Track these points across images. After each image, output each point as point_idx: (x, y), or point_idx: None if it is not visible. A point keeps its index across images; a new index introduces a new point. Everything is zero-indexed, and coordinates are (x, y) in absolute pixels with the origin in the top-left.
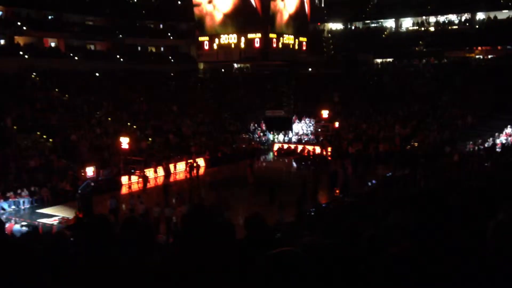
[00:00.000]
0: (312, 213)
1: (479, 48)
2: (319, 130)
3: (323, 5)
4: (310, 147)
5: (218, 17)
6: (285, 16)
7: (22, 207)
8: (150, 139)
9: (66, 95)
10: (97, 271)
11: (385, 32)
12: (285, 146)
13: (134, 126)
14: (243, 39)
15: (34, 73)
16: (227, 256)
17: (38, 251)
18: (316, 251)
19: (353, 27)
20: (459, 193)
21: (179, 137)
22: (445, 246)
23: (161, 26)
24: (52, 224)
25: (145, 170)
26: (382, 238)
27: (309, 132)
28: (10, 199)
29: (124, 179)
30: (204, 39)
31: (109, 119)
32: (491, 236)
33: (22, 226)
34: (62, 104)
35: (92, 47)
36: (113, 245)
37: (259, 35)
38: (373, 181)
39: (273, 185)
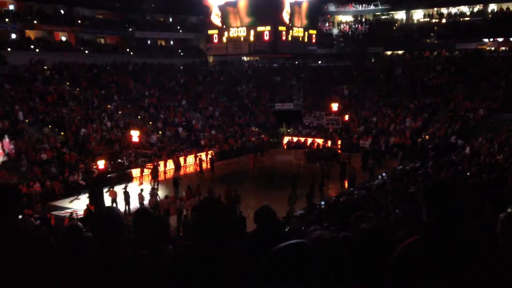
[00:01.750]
0: (322, 206)
1: (491, 40)
2: (329, 123)
3: None
4: (319, 140)
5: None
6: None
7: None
8: (160, 132)
9: (77, 89)
10: (109, 263)
11: (396, 24)
12: (295, 139)
13: (144, 120)
14: (252, 32)
15: (45, 67)
16: (237, 248)
17: (51, 243)
18: (326, 245)
19: (363, 19)
20: (470, 186)
21: (188, 130)
22: (457, 239)
23: (170, 19)
24: (64, 217)
25: (155, 163)
26: (379, 231)
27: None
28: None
29: (135, 172)
30: (214, 32)
31: (120, 112)
32: (501, 229)
33: (34, 218)
34: (73, 98)
35: (103, 40)
36: (123, 238)
37: (268, 28)
38: (384, 174)
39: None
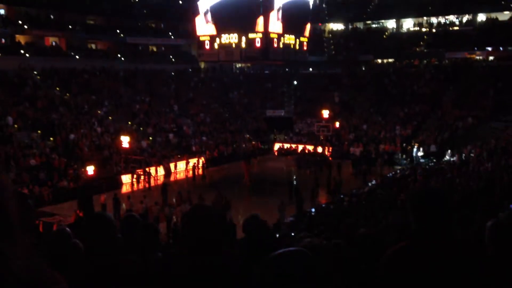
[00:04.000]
0: (312, 213)
1: (480, 49)
2: (320, 130)
3: (324, 5)
4: (310, 147)
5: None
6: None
7: None
8: (150, 138)
9: (67, 94)
10: (98, 270)
11: (386, 33)
12: (286, 145)
13: (135, 125)
14: (244, 38)
15: (35, 72)
16: (228, 255)
17: (39, 249)
18: (315, 252)
19: (354, 27)
20: (458, 194)
21: (179, 137)
22: (443, 246)
23: (162, 25)
24: (53, 223)
25: (146, 169)
26: (377, 237)
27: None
28: None
29: (125, 178)
30: (205, 38)
31: (110, 118)
32: (489, 236)
33: None
34: (63, 103)
35: (93, 46)
36: (115, 244)
37: (260, 35)
38: (373, 181)
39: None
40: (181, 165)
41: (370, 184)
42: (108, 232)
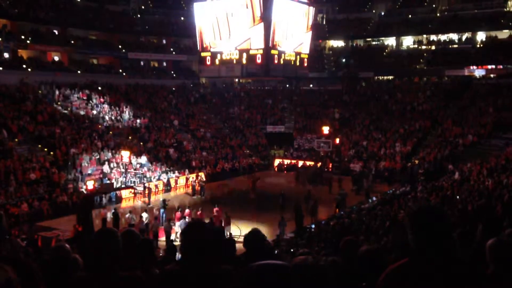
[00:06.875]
0: (312, 229)
1: (480, 67)
2: (320, 146)
3: (324, 23)
4: (310, 163)
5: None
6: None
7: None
8: (151, 153)
9: (68, 108)
10: (105, 285)
11: (386, 50)
12: (286, 161)
13: (135, 140)
14: (245, 55)
15: (36, 86)
16: (227, 271)
17: (37, 264)
18: (306, 271)
19: (354, 45)
20: (459, 211)
21: (179, 152)
22: (443, 264)
23: (164, 41)
24: (51, 237)
25: (146, 184)
26: (379, 254)
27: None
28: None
29: (124, 193)
30: (206, 54)
31: (111, 132)
32: (490, 255)
33: (21, 239)
34: (64, 117)
35: (95, 61)
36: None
37: (261, 51)
38: (374, 198)
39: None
40: (181, 180)
41: (370, 200)
42: (114, 248)
